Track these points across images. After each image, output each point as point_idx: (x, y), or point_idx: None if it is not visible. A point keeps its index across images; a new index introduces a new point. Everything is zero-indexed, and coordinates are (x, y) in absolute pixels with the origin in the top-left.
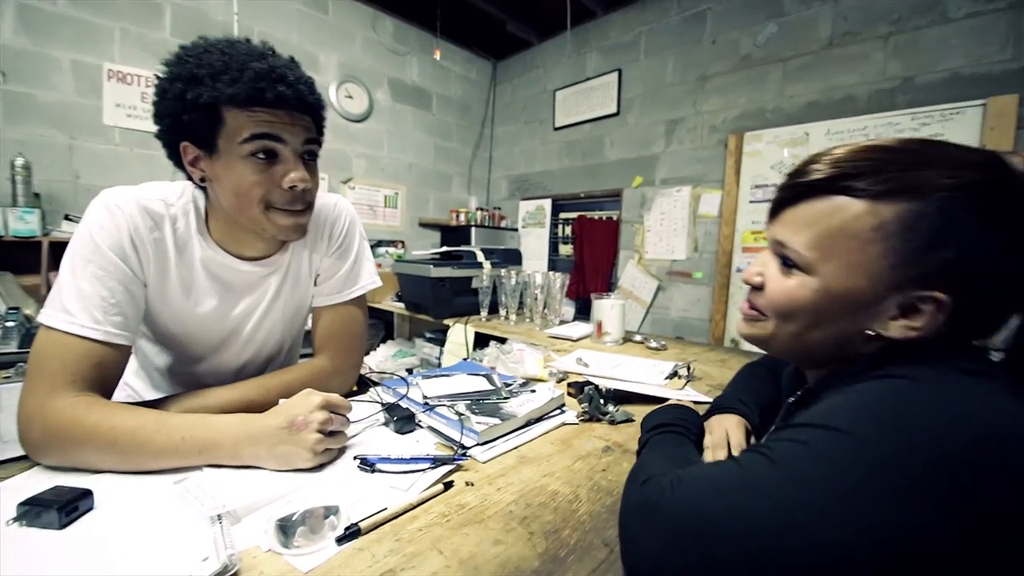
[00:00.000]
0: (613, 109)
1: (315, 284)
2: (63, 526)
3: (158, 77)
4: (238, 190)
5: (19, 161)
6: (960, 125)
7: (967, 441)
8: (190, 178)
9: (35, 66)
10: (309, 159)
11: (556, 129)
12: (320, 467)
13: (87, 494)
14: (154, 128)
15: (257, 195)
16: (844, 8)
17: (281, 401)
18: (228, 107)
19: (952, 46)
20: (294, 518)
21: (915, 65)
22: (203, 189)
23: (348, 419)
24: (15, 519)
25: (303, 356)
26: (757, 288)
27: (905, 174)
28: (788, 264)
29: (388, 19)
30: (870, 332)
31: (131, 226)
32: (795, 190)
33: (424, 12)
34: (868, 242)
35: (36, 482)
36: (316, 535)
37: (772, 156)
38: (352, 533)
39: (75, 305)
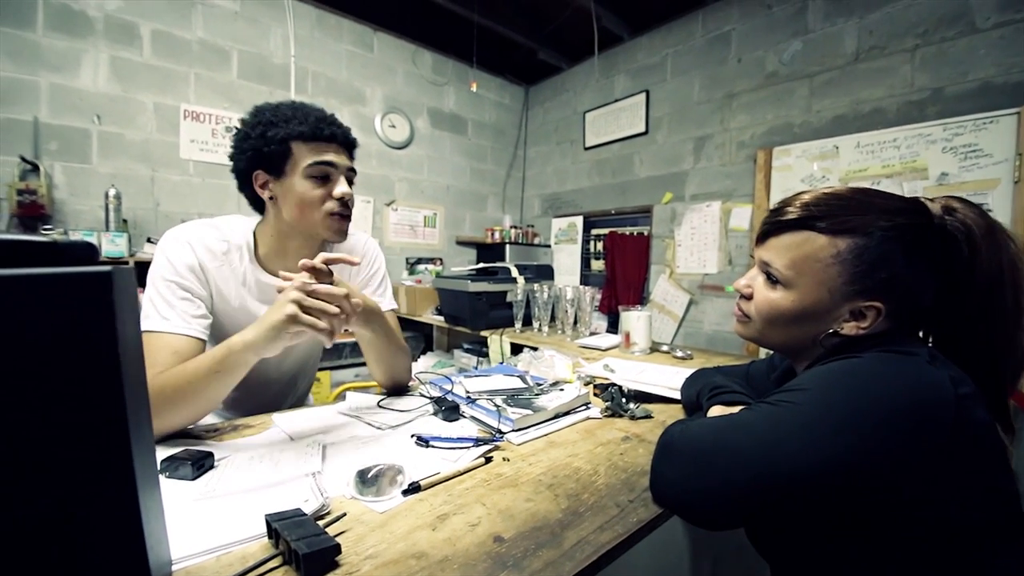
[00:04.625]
0: (642, 128)
1: None
2: (195, 477)
3: (237, 128)
4: (302, 202)
5: (112, 191)
6: (994, 134)
7: (898, 396)
8: (253, 201)
9: (125, 109)
10: (350, 183)
11: (586, 149)
12: (381, 437)
13: (209, 455)
14: (230, 163)
15: (318, 204)
16: (869, 23)
17: None
18: (296, 141)
19: (981, 56)
20: (370, 474)
21: (944, 76)
22: (260, 210)
23: (336, 293)
24: (159, 471)
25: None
26: (746, 296)
27: (854, 217)
28: (772, 280)
29: (427, 53)
30: (830, 331)
31: (198, 257)
32: (777, 224)
33: (460, 45)
34: (829, 265)
35: (168, 450)
36: (386, 488)
37: (802, 170)
38: (414, 488)
39: (168, 312)
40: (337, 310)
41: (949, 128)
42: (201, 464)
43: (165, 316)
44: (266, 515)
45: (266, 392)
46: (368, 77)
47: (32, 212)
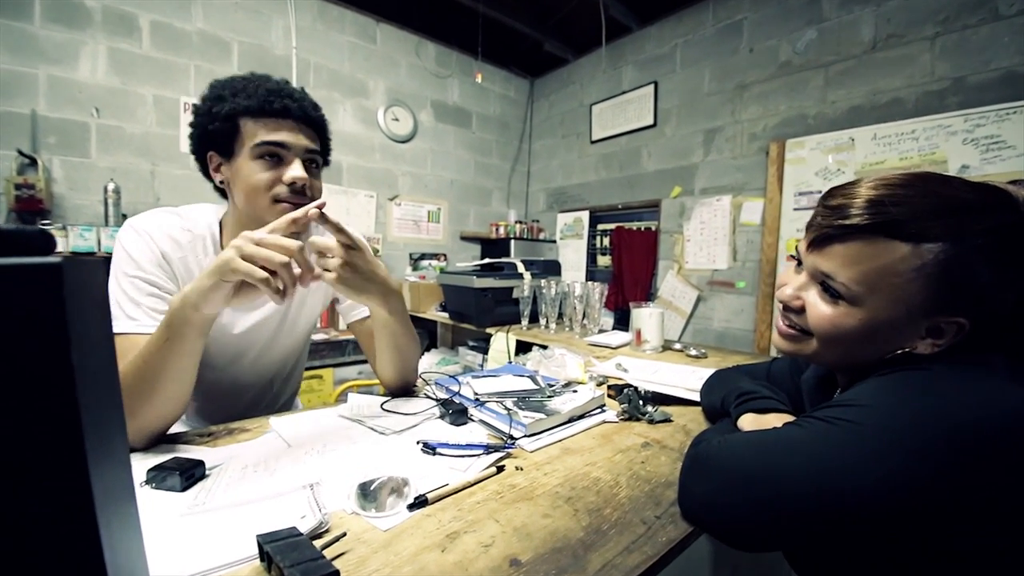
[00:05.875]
0: (650, 121)
1: (338, 304)
2: (184, 489)
3: (194, 104)
4: (247, 186)
5: (111, 186)
6: (1017, 125)
7: (977, 415)
8: (216, 186)
9: (124, 102)
10: (312, 167)
11: (593, 142)
12: (384, 443)
13: (200, 463)
14: (188, 145)
15: (264, 189)
16: (887, 11)
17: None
18: (243, 117)
19: (1005, 44)
20: (372, 487)
21: (966, 65)
22: (223, 196)
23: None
24: (144, 483)
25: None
26: (794, 310)
27: (940, 220)
28: (833, 294)
29: (431, 45)
30: (900, 352)
31: (160, 247)
32: (844, 229)
33: (464, 36)
34: (910, 280)
35: (157, 457)
36: (390, 502)
37: (816, 163)
38: (421, 502)
39: (135, 311)
40: (284, 259)
41: (970, 119)
42: (191, 474)
43: (132, 316)
44: (258, 536)
45: (240, 398)
46: (371, 69)
47: (30, 207)
